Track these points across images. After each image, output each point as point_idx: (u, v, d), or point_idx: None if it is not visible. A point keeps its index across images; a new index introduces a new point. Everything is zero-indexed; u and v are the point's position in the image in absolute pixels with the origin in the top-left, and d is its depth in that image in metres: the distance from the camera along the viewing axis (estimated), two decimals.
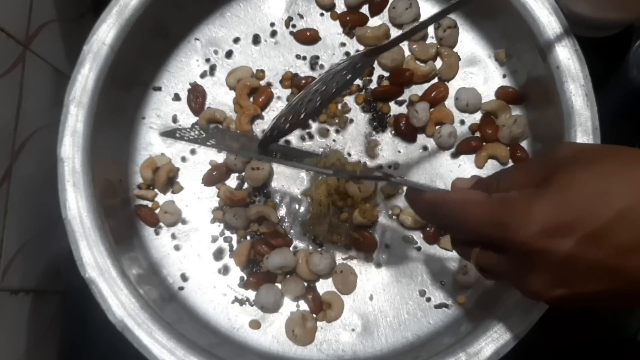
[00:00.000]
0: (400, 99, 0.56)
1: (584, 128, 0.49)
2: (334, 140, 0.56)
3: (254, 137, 0.53)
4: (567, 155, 0.34)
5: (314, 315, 0.53)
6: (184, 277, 0.54)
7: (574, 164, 0.33)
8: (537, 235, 0.33)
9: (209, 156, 0.55)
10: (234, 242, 0.54)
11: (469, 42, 0.57)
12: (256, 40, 0.57)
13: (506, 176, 0.37)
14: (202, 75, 0.57)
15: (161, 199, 0.55)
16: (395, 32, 0.57)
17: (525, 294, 0.36)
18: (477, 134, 0.56)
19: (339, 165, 0.49)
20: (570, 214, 0.32)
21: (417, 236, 0.54)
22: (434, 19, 0.45)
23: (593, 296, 0.34)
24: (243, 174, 0.55)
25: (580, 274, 0.33)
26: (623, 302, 0.35)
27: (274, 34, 0.57)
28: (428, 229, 0.54)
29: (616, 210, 0.31)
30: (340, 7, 0.58)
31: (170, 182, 0.55)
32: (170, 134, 0.48)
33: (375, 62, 0.57)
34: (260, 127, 0.56)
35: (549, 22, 0.50)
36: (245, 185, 0.55)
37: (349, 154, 0.55)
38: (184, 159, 0.56)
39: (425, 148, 0.56)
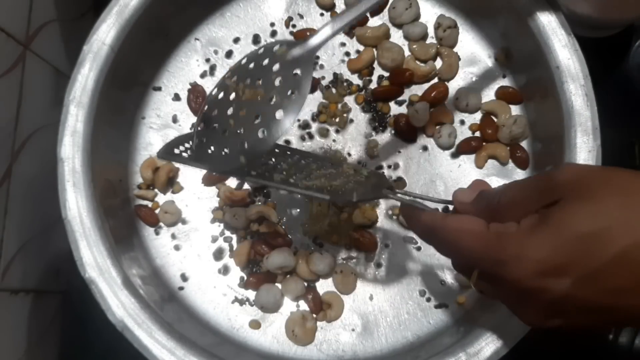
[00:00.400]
0: (400, 99, 0.56)
1: (584, 128, 0.49)
2: (334, 140, 0.56)
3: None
4: (566, 182, 0.34)
5: (314, 315, 0.53)
6: (184, 277, 0.54)
7: (572, 199, 0.33)
8: (532, 275, 0.33)
9: None
10: (234, 242, 0.54)
11: (469, 42, 0.57)
12: (256, 40, 0.57)
13: (508, 193, 0.37)
14: (202, 75, 0.57)
15: (161, 199, 0.55)
16: (395, 32, 0.57)
17: (522, 321, 0.37)
18: (477, 134, 0.56)
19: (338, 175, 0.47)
20: (566, 255, 0.32)
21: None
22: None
23: (589, 326, 0.35)
24: None
25: (575, 310, 0.34)
26: (620, 327, 0.35)
27: (274, 34, 0.57)
28: None
29: (612, 254, 0.31)
30: (340, 7, 0.58)
31: (170, 182, 0.55)
32: (169, 152, 0.43)
33: (375, 62, 0.57)
34: None
35: (549, 22, 0.50)
36: (246, 186, 0.55)
37: (349, 154, 0.55)
38: None
39: (425, 148, 0.56)
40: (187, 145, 0.43)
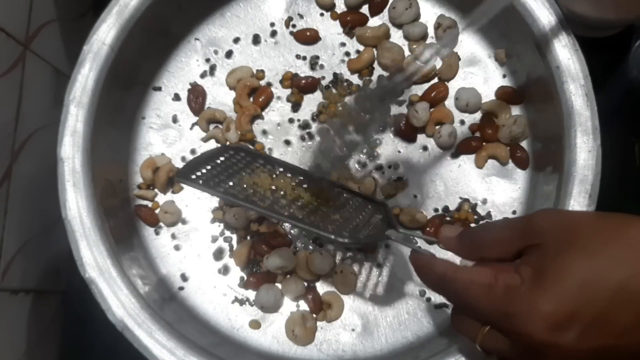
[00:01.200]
0: (400, 99, 0.56)
1: (583, 128, 0.49)
2: (333, 140, 0.56)
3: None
4: (547, 229, 0.35)
5: (314, 315, 0.53)
6: (184, 277, 0.54)
7: (564, 249, 0.34)
8: (543, 330, 0.34)
9: None
10: (234, 242, 0.54)
11: (469, 42, 0.57)
12: (256, 40, 0.57)
13: (491, 231, 0.39)
14: (202, 75, 0.57)
15: (161, 199, 0.55)
16: (395, 32, 0.57)
17: None
18: (477, 134, 0.56)
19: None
20: (571, 305, 0.33)
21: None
22: None
23: None
24: None
25: (587, 358, 0.34)
26: None
27: (274, 34, 0.57)
28: (428, 229, 0.54)
29: (611, 291, 0.33)
30: (340, 7, 0.58)
31: (170, 182, 0.55)
32: (186, 174, 0.44)
33: (375, 62, 0.57)
34: (261, 127, 0.56)
35: (549, 22, 0.51)
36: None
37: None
38: (184, 159, 0.56)
39: (425, 148, 0.56)
40: (206, 169, 0.44)
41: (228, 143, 0.55)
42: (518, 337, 0.35)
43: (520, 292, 0.35)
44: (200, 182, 0.43)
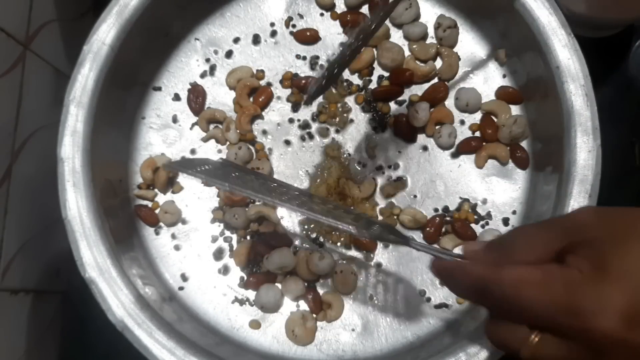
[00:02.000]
0: (400, 99, 0.56)
1: (584, 128, 0.49)
2: (333, 139, 0.56)
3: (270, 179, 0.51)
4: (599, 224, 0.33)
5: (314, 315, 0.53)
6: (184, 277, 0.54)
7: (623, 240, 0.32)
8: (616, 324, 0.31)
9: (209, 155, 0.55)
10: (234, 242, 0.54)
11: (469, 42, 0.57)
12: (256, 40, 0.57)
13: (522, 235, 0.36)
14: (202, 75, 0.57)
15: (161, 199, 0.55)
16: (395, 32, 0.57)
17: None
18: (477, 134, 0.56)
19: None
20: None
21: (417, 236, 0.54)
22: None
23: None
24: None
25: None
26: None
27: (274, 34, 0.57)
28: (428, 229, 0.54)
29: None
30: (340, 7, 0.58)
31: (170, 182, 0.55)
32: (181, 165, 0.46)
33: (375, 62, 0.57)
34: (261, 127, 0.56)
35: (549, 22, 0.50)
36: None
37: (349, 154, 0.55)
38: (184, 159, 0.56)
39: (425, 148, 0.56)
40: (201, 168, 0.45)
41: (227, 143, 0.55)
42: (586, 334, 0.32)
43: (583, 286, 0.32)
44: (198, 169, 0.43)
